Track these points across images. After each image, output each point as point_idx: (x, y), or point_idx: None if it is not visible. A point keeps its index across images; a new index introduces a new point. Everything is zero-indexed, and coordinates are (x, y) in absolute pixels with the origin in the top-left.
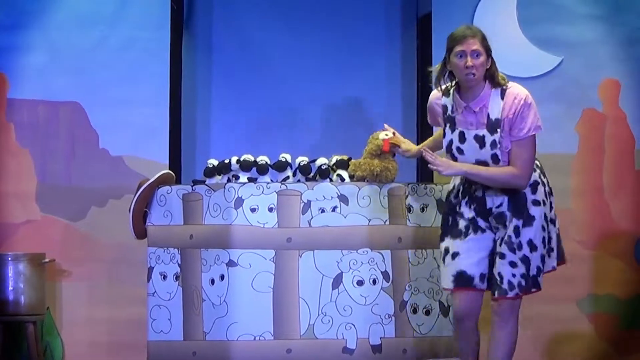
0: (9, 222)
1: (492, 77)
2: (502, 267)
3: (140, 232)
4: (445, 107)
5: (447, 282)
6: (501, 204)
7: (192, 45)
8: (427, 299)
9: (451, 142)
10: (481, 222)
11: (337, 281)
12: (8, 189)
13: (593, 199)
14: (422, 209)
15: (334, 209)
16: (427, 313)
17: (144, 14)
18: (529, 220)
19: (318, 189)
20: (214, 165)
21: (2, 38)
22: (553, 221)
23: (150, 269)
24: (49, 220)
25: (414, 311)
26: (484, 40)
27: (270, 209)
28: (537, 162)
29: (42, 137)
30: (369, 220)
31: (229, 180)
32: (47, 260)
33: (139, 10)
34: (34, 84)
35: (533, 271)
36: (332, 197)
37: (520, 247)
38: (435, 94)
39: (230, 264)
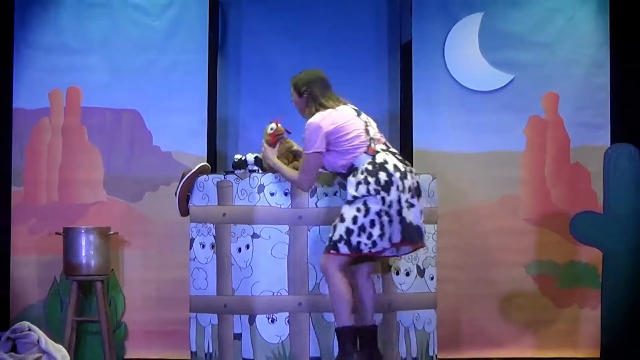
0: (82, 203)
1: (302, 111)
2: None
3: (184, 211)
4: None
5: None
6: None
7: (225, 65)
8: (407, 263)
9: None
10: None
11: None
12: (81, 178)
13: (537, 186)
14: None
15: (335, 194)
16: (407, 274)
17: (187, 41)
18: (346, 203)
19: None
20: (239, 159)
21: (77, 59)
22: (379, 212)
23: (192, 240)
24: (113, 201)
25: (397, 273)
26: (294, 86)
27: (286, 194)
28: (364, 168)
29: (108, 137)
30: None
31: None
32: (111, 232)
33: (183, 38)
34: (102, 95)
35: (336, 237)
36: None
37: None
38: None
39: (254, 236)
